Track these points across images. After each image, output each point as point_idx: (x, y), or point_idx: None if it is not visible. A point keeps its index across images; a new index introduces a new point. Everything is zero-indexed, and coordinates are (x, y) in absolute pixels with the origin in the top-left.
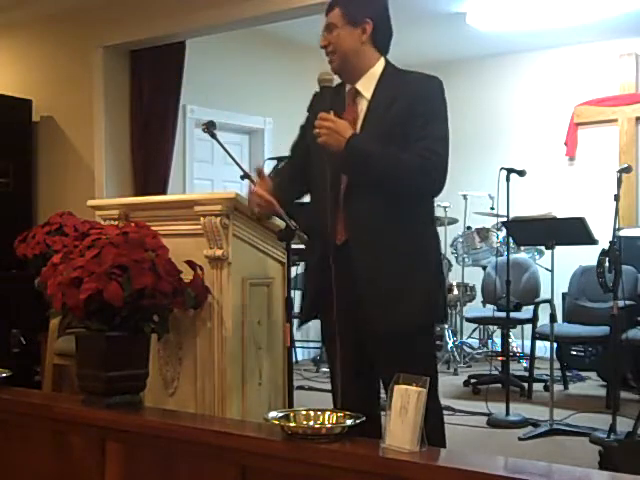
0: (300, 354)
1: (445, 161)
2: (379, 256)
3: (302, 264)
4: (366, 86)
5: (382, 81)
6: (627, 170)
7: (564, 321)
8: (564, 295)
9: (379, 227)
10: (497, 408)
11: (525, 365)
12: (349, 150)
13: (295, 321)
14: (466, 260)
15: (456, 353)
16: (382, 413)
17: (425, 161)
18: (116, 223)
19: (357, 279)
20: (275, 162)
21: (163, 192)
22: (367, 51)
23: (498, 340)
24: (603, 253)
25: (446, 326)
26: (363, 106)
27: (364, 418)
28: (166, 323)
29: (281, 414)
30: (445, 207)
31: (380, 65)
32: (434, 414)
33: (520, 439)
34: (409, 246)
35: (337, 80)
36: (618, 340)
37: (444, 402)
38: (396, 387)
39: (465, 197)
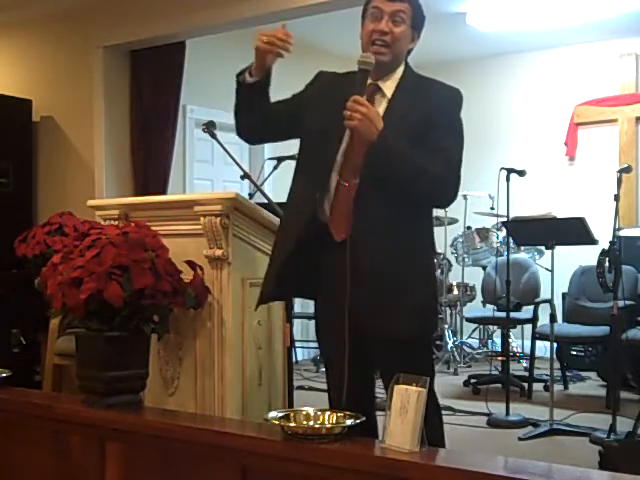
0: (300, 354)
1: (459, 177)
2: (382, 255)
3: None
4: (388, 86)
5: (402, 84)
6: (627, 170)
7: (564, 321)
8: (564, 295)
9: (383, 226)
10: (497, 408)
11: (525, 365)
12: (381, 142)
13: (297, 321)
14: (466, 260)
15: (456, 353)
16: (379, 413)
17: (446, 174)
18: (116, 223)
19: (358, 278)
20: (275, 162)
21: (163, 192)
22: (403, 58)
23: (498, 340)
24: (603, 253)
25: (446, 326)
26: (382, 105)
27: (364, 418)
28: (166, 323)
29: (281, 414)
30: None
31: (402, 68)
32: (433, 412)
33: (520, 439)
34: (410, 248)
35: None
36: (618, 340)
37: (444, 402)
38: (396, 387)
39: (465, 197)
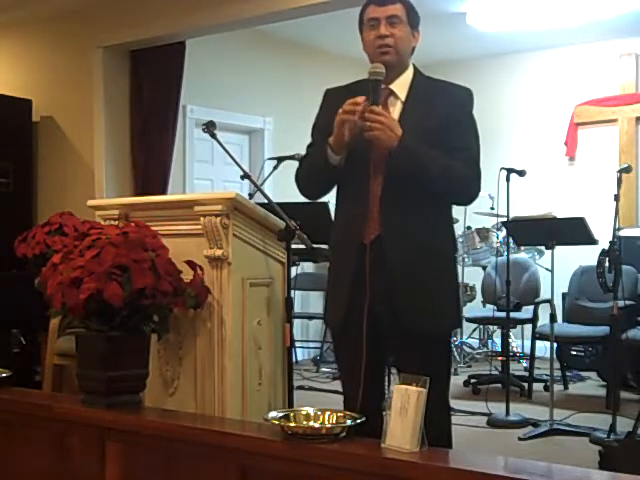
0: (300, 354)
1: (481, 173)
2: (413, 255)
3: (301, 264)
4: (400, 88)
5: (415, 85)
6: (627, 170)
7: (564, 321)
8: (564, 295)
9: (413, 227)
10: (497, 408)
11: (525, 365)
12: (403, 148)
13: (297, 321)
14: (466, 260)
15: (456, 353)
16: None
17: (471, 171)
18: (116, 223)
19: (390, 277)
20: (275, 162)
21: (163, 192)
22: (409, 57)
23: (498, 340)
24: (603, 253)
25: None
26: (397, 108)
27: (364, 418)
28: (166, 323)
29: (281, 414)
30: None
31: (411, 70)
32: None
33: (520, 439)
34: (440, 247)
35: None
36: (618, 340)
37: None
38: (396, 387)
39: None
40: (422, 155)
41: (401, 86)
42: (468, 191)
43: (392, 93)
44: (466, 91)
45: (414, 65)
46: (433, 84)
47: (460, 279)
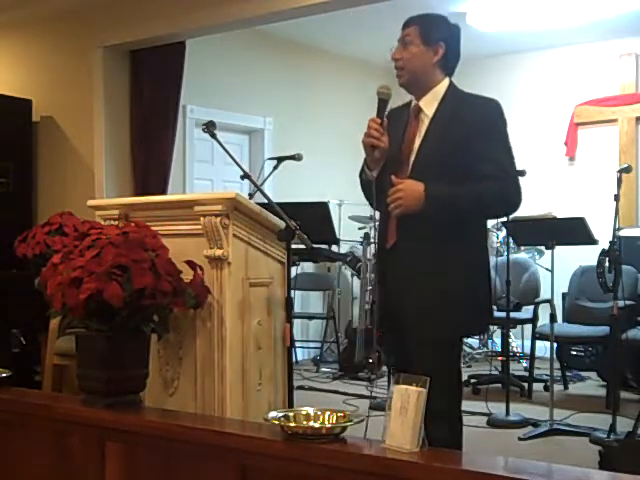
0: (300, 354)
1: (516, 177)
2: (426, 260)
3: (301, 264)
4: (429, 104)
5: (444, 101)
6: (627, 170)
7: (564, 321)
8: (564, 295)
9: (427, 232)
10: (497, 408)
11: (525, 365)
12: (430, 203)
13: (297, 321)
14: None
15: None
16: (378, 413)
17: (503, 184)
18: (116, 223)
19: (404, 281)
20: (275, 162)
21: (163, 192)
22: (435, 71)
23: (498, 340)
24: (603, 253)
25: None
26: (425, 124)
27: (362, 419)
28: (166, 323)
29: (281, 414)
30: None
31: (444, 85)
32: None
33: (520, 439)
34: (456, 254)
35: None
36: (618, 340)
37: None
38: (396, 387)
39: None
40: (450, 198)
41: (429, 102)
42: (508, 205)
43: (420, 110)
44: (492, 102)
45: (450, 81)
46: (462, 98)
47: None
